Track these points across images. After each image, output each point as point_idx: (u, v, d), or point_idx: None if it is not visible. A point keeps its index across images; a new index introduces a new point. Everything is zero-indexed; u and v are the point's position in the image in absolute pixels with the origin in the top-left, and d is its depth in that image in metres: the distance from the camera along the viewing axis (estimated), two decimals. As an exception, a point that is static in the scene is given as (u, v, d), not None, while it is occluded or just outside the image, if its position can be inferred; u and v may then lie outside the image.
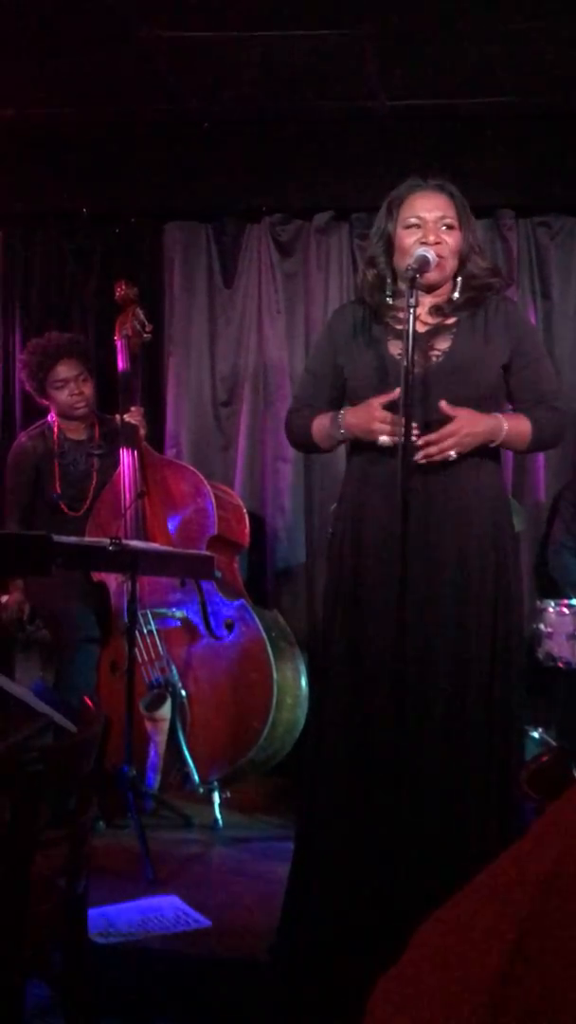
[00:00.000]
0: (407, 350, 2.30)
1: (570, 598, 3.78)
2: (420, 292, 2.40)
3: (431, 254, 2.42)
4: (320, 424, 2.60)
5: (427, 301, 2.54)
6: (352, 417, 2.50)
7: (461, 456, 2.46)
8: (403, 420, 2.31)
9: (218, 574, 3.63)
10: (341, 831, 2.44)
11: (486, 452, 2.55)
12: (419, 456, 2.38)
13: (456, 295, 2.55)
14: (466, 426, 2.41)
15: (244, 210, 4.60)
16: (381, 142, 4.35)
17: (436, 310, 2.55)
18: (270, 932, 2.58)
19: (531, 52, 3.75)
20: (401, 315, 2.38)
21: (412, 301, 2.32)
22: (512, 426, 2.49)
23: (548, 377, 2.63)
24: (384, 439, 2.43)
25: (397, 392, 2.36)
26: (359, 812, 2.42)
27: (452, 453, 2.41)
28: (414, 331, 2.32)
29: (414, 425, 2.33)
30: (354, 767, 2.44)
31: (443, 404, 2.40)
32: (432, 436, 2.40)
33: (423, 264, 2.39)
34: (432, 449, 2.40)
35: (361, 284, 2.65)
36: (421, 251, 2.42)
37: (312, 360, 2.63)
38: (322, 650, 2.58)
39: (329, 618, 2.56)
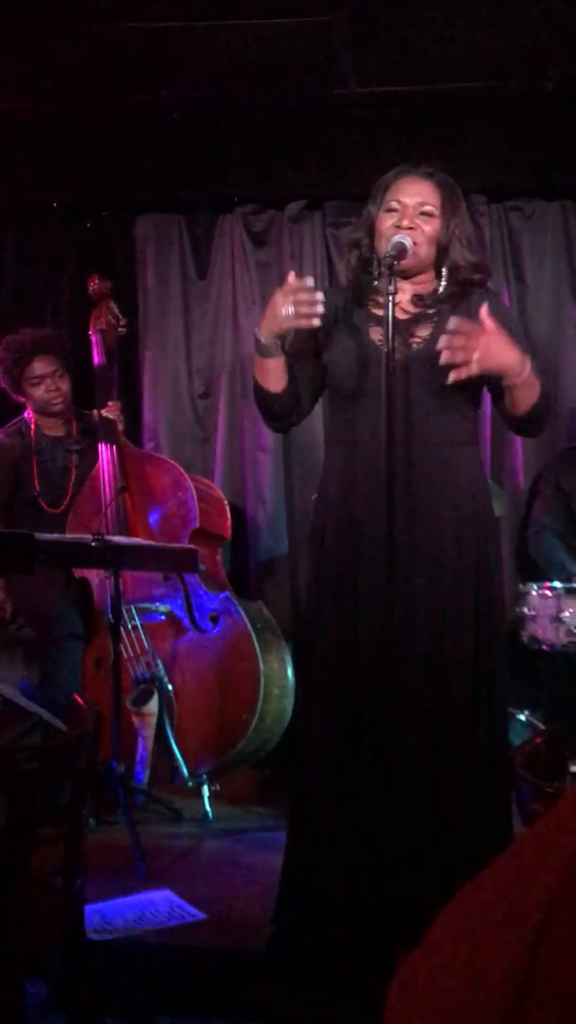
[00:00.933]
0: (387, 335, 2.30)
1: (552, 580, 3.79)
2: (398, 279, 2.39)
3: (408, 240, 2.41)
4: (256, 368, 2.54)
5: (408, 289, 2.53)
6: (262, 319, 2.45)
7: (444, 441, 2.46)
8: (313, 294, 2.32)
9: (202, 567, 3.62)
10: (333, 817, 2.44)
11: (468, 436, 2.55)
12: (443, 357, 2.26)
13: (441, 288, 2.54)
14: (502, 340, 2.29)
15: (216, 201, 4.58)
16: (353, 129, 4.34)
17: (418, 299, 2.54)
18: (265, 923, 2.59)
19: (502, 36, 3.75)
20: (382, 300, 2.38)
21: (391, 288, 2.31)
22: (532, 373, 2.39)
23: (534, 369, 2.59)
24: (288, 310, 2.36)
25: (309, 281, 2.35)
26: (350, 798, 2.43)
27: (474, 365, 2.25)
28: (393, 316, 2.31)
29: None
30: (344, 753, 2.44)
31: (483, 312, 2.28)
32: (458, 338, 2.25)
33: (400, 251, 2.39)
34: (458, 346, 2.25)
35: (347, 267, 2.63)
36: (398, 237, 2.41)
37: (291, 346, 2.61)
38: (307, 638, 2.58)
39: (314, 605, 2.56)
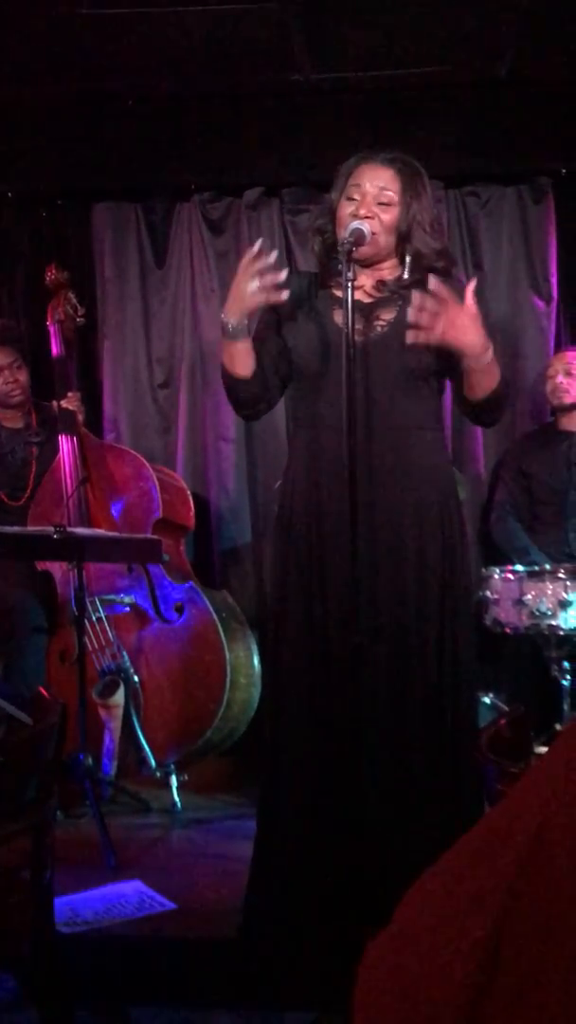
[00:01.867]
0: (347, 322, 2.29)
1: (514, 564, 3.83)
2: (359, 267, 2.39)
3: (365, 226, 2.41)
4: (223, 353, 2.52)
5: (372, 276, 2.53)
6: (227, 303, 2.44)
7: (408, 425, 2.47)
8: (276, 268, 2.32)
9: (166, 557, 3.61)
10: (303, 803, 2.45)
11: (431, 421, 2.55)
12: (409, 336, 2.30)
13: (405, 275, 2.53)
14: (469, 317, 2.31)
15: (173, 188, 4.55)
16: (309, 116, 4.33)
17: (382, 285, 2.54)
18: (236, 911, 2.59)
19: (455, 22, 3.75)
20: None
21: (350, 275, 2.31)
22: (493, 360, 2.41)
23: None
24: (253, 285, 2.36)
25: (272, 256, 2.35)
26: (319, 784, 2.44)
27: (436, 333, 2.27)
28: (355, 300, 2.31)
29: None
30: (313, 739, 2.45)
31: (468, 289, 2.32)
32: (426, 314, 2.27)
33: (359, 237, 2.38)
34: (425, 323, 2.27)
35: (312, 253, 2.63)
36: (355, 224, 2.40)
37: (256, 332, 2.59)
38: (274, 622, 2.58)
39: (280, 589, 2.55)
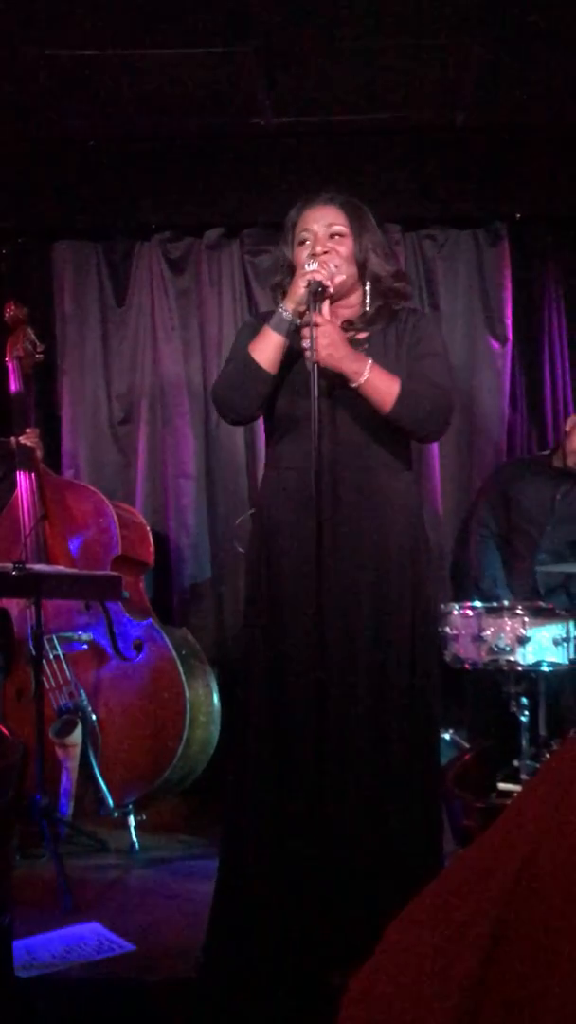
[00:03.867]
0: (312, 381, 2.32)
1: (473, 598, 3.85)
2: (329, 303, 2.43)
3: (321, 274, 2.41)
4: (256, 339, 2.51)
5: (339, 315, 2.54)
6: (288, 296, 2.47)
7: (375, 467, 2.49)
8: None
9: (125, 594, 3.59)
10: (267, 843, 2.43)
11: (400, 462, 2.55)
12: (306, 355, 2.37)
13: (367, 306, 2.56)
14: (336, 335, 2.40)
15: (133, 228, 4.59)
16: (268, 158, 4.39)
17: (349, 325, 2.55)
18: (195, 951, 2.56)
19: (412, 69, 3.84)
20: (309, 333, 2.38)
21: (309, 345, 2.35)
22: (379, 375, 2.43)
23: (440, 372, 2.55)
24: (310, 265, 2.41)
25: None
26: (283, 825, 2.42)
27: (320, 350, 2.35)
28: (317, 367, 2.34)
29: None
30: (278, 779, 2.43)
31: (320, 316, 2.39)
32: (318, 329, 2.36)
33: (316, 290, 2.39)
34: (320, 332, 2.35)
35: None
36: (308, 275, 2.40)
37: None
38: (243, 664, 2.56)
39: (249, 630, 2.55)
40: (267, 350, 2.49)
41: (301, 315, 2.44)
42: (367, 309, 2.56)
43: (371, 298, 2.56)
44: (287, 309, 2.46)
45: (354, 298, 2.58)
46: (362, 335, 2.56)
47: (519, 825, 0.78)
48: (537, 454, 4.40)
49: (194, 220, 4.54)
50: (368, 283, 2.56)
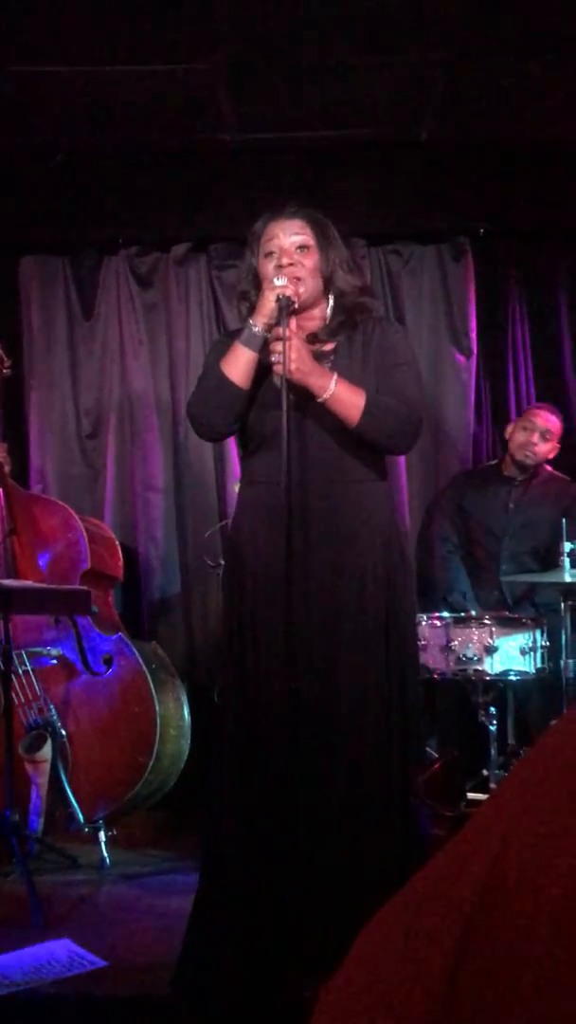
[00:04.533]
0: (283, 395, 2.33)
1: (440, 609, 3.88)
2: (294, 316, 2.45)
3: (289, 290, 2.43)
4: (228, 355, 2.51)
5: (304, 326, 2.55)
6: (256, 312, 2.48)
7: (347, 479, 2.50)
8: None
9: (95, 609, 3.58)
10: (247, 859, 2.41)
11: (371, 473, 2.56)
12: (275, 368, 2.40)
13: (328, 318, 2.58)
14: (304, 349, 2.43)
15: (101, 242, 4.59)
16: (235, 174, 4.42)
17: (312, 338, 2.56)
18: (167, 966, 2.54)
19: (376, 85, 3.89)
20: (278, 348, 2.39)
21: (279, 359, 2.38)
22: (344, 390, 2.44)
23: (410, 385, 2.57)
24: (278, 280, 2.42)
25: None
26: (264, 840, 2.40)
27: (289, 363, 2.38)
28: (287, 382, 2.36)
29: None
30: (257, 795, 2.42)
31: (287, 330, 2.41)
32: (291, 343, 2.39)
33: (285, 305, 2.41)
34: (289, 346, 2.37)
35: (240, 319, 2.63)
36: (278, 290, 2.42)
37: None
38: (223, 678, 2.56)
39: (227, 646, 2.54)
40: (239, 365, 2.50)
41: (270, 329, 2.46)
42: (327, 322, 2.58)
43: (333, 312, 2.57)
44: (257, 324, 2.47)
45: (317, 311, 2.59)
46: (328, 346, 2.57)
47: (487, 828, 0.79)
48: (486, 464, 4.42)
49: (161, 235, 4.56)
50: (332, 296, 2.58)
